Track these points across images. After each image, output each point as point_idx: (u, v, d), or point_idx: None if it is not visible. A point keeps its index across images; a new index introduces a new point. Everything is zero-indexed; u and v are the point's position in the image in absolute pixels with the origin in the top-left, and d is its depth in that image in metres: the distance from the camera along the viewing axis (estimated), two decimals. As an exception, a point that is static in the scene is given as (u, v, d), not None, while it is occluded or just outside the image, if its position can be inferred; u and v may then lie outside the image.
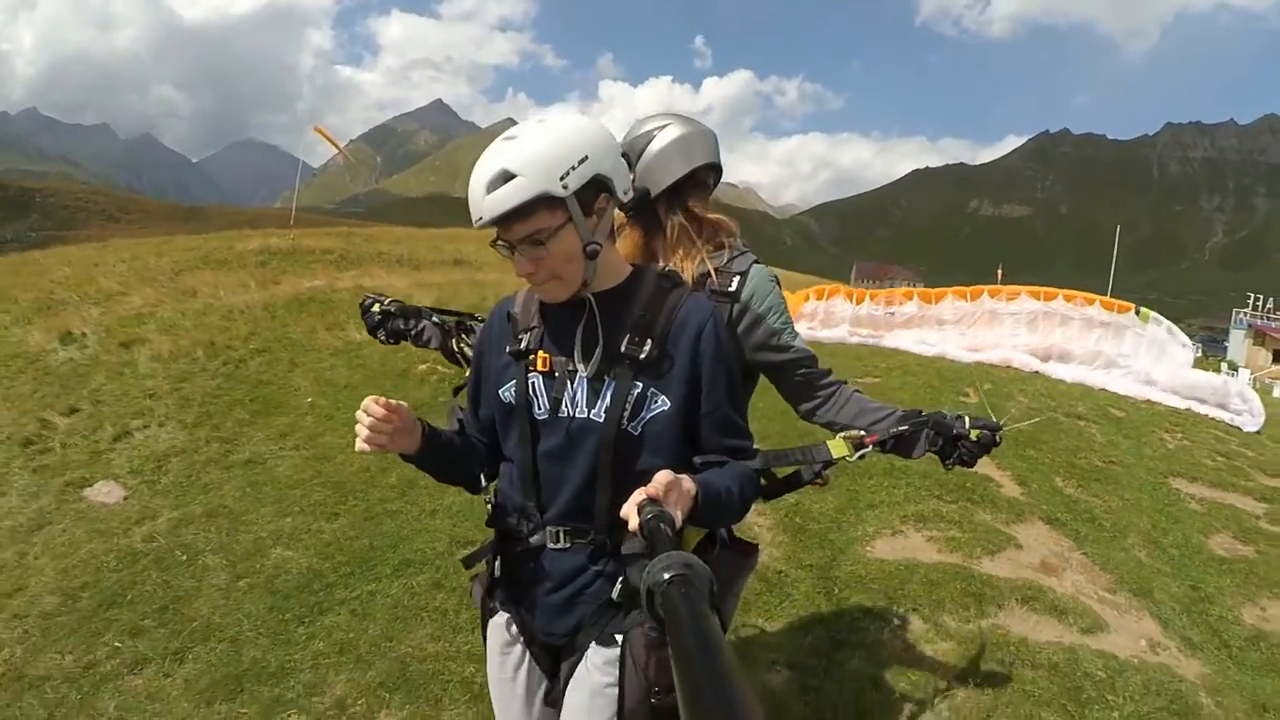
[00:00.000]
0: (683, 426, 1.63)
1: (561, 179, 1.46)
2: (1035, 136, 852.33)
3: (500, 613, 1.85)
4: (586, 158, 1.49)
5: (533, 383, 1.69)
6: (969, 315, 11.03)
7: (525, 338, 1.72)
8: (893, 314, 11.38)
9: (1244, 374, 31.99)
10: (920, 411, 2.08)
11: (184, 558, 4.31)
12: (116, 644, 3.62)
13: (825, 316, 12.02)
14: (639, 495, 1.26)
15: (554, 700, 1.81)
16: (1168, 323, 10.45)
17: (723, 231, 2.14)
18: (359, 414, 1.54)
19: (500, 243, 1.56)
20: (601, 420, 1.61)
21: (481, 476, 1.82)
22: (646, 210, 2.14)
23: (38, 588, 4.15)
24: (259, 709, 3.16)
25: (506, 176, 1.45)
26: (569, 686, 1.76)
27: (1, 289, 11.19)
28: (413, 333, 2.63)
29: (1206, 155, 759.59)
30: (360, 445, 1.54)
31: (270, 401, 6.59)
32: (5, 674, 3.50)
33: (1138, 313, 10.32)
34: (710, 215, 2.14)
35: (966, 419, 2.01)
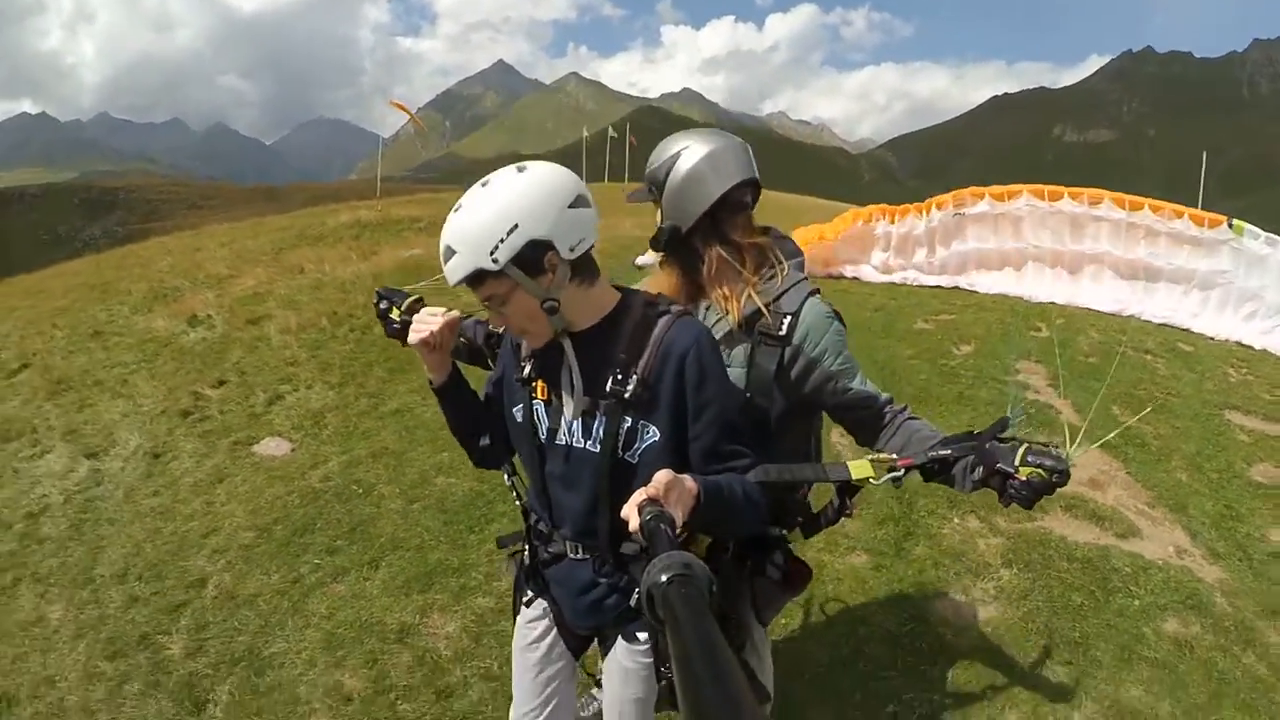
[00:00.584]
0: (675, 452, 1.71)
1: (491, 254, 1.56)
2: (1118, 56, 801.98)
3: (533, 596, 2.08)
4: (515, 226, 1.55)
5: (535, 409, 1.85)
6: (1047, 216, 10.33)
7: (527, 365, 1.86)
8: (963, 214, 10.71)
9: None
10: (973, 433, 1.87)
11: (360, 491, 5.29)
12: (316, 562, 4.55)
13: (899, 242, 11.40)
14: (639, 495, 1.31)
15: (567, 671, 2.11)
16: (1266, 234, 9.44)
17: (771, 254, 2.07)
18: (418, 315, 1.90)
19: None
20: (596, 451, 1.73)
21: (482, 452, 2.05)
22: (681, 245, 2.06)
23: (231, 527, 5.12)
24: (449, 596, 4.05)
25: (451, 252, 1.61)
26: (604, 663, 2.02)
27: (111, 283, 12.23)
28: None
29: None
30: (412, 338, 1.88)
31: (403, 360, 7.37)
32: (218, 597, 4.43)
33: (1230, 225, 9.51)
34: (755, 240, 2.06)
35: (1020, 450, 1.74)
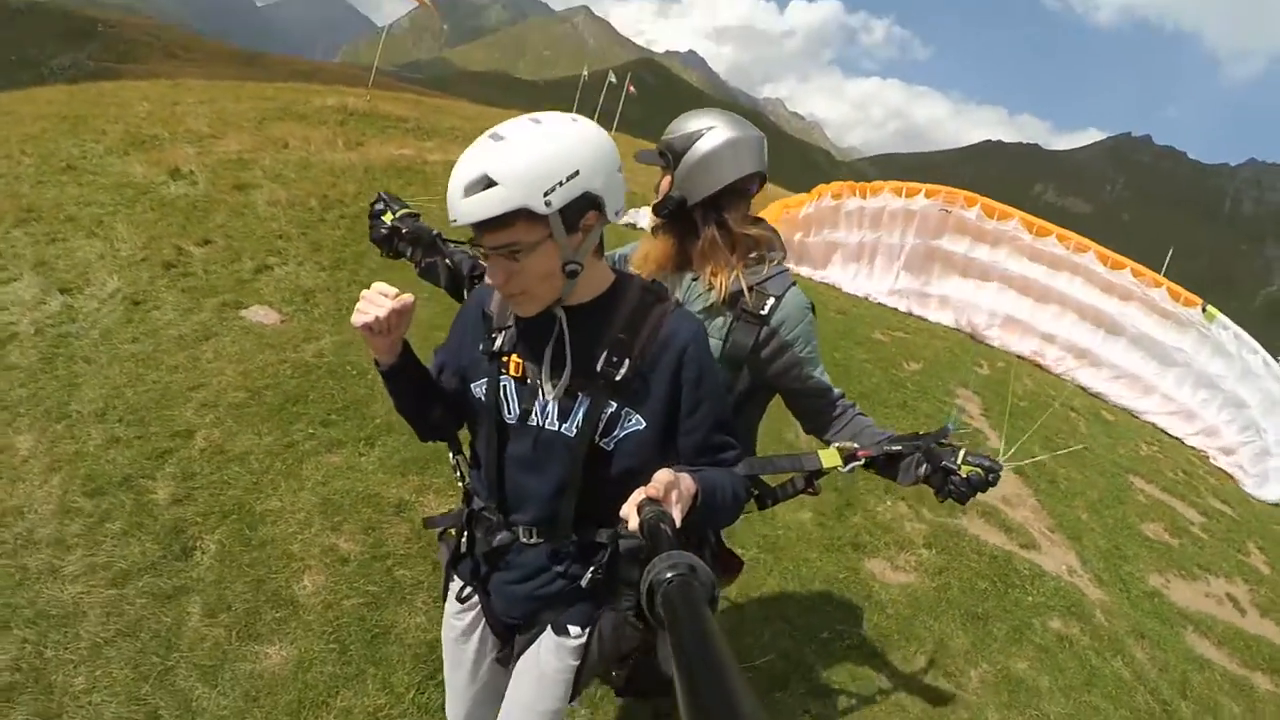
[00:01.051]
0: (659, 444, 1.68)
1: (545, 194, 1.42)
2: (1115, 136, 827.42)
3: (462, 584, 1.96)
4: (577, 173, 1.45)
5: (504, 386, 1.71)
6: (1029, 248, 10.62)
7: (499, 337, 1.72)
8: (949, 211, 10.84)
9: None
10: (919, 435, 2.12)
11: (354, 372, 5.44)
12: (309, 431, 4.73)
13: (873, 217, 11.39)
14: (639, 495, 1.30)
15: (504, 660, 1.97)
16: (1236, 327, 9.64)
17: (762, 245, 2.18)
18: (365, 293, 1.63)
19: (474, 245, 1.55)
20: (573, 436, 1.65)
21: (430, 426, 1.91)
22: (682, 216, 2.16)
23: (220, 385, 5.18)
24: (445, 481, 4.27)
25: (487, 183, 1.41)
26: (519, 661, 1.90)
27: (84, 118, 11.76)
28: (420, 264, 2.53)
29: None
30: (355, 319, 1.61)
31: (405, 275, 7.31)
32: (206, 449, 4.53)
33: (1204, 310, 9.70)
34: (749, 231, 2.16)
35: (961, 453, 2.02)
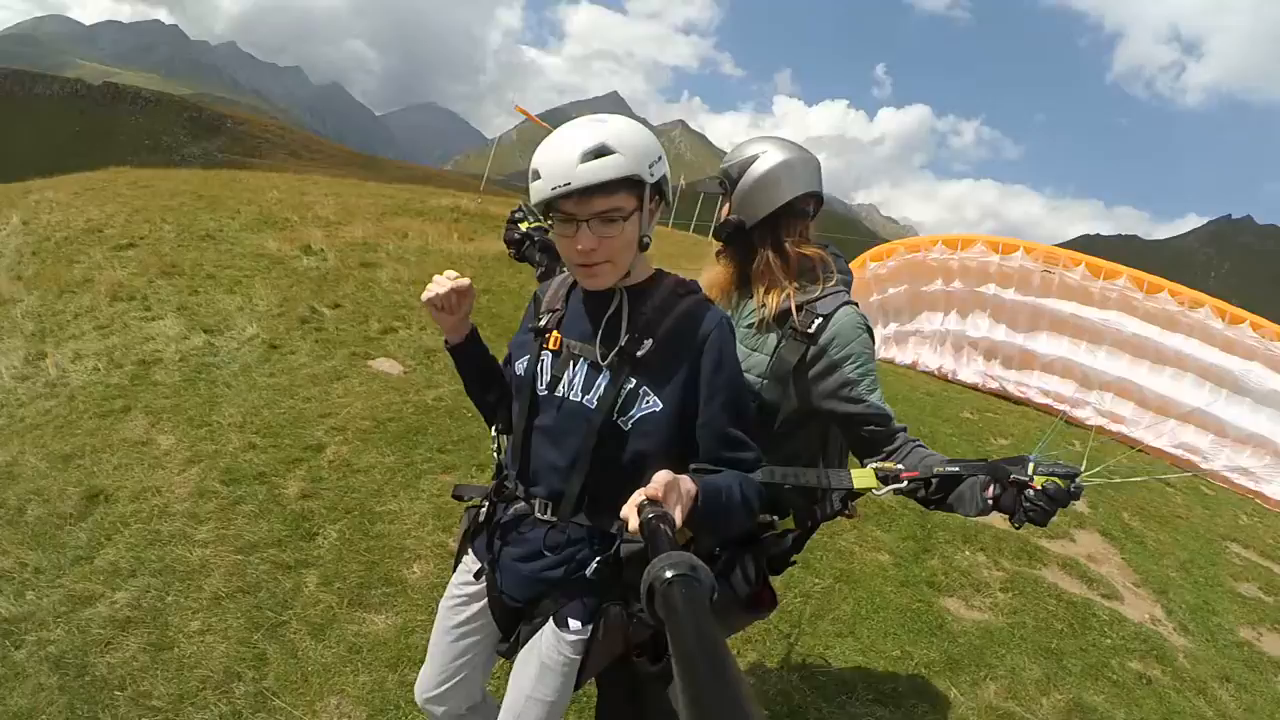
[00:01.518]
0: (676, 430, 1.75)
1: (650, 166, 1.65)
2: (1216, 220, 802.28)
3: (473, 557, 2.05)
4: (661, 158, 1.68)
5: (543, 359, 1.88)
6: (1140, 305, 9.97)
7: (546, 318, 1.93)
8: (1052, 273, 10.41)
9: None
10: (985, 461, 1.90)
11: (469, 415, 6.05)
12: (427, 455, 5.33)
13: (960, 270, 11.20)
14: (639, 496, 1.33)
15: (507, 652, 2.01)
16: None
17: (817, 265, 2.18)
18: (435, 276, 1.94)
19: (561, 215, 1.67)
20: (593, 408, 1.76)
21: (491, 408, 2.13)
22: (741, 239, 2.23)
23: (349, 414, 5.89)
24: None
25: (605, 150, 1.58)
26: (522, 651, 1.94)
27: (219, 198, 13.29)
28: (541, 269, 2.64)
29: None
30: (424, 296, 1.93)
31: (508, 330, 8.04)
32: (334, 461, 5.15)
33: None
34: (805, 249, 2.18)
35: (1031, 464, 1.80)
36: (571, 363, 1.82)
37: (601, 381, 1.75)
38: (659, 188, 1.70)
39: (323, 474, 4.94)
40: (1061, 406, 10.52)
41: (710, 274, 2.32)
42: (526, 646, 1.91)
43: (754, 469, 1.79)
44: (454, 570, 2.12)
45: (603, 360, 1.76)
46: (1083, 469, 1.84)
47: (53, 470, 4.77)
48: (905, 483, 1.91)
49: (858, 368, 2.04)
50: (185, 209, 11.93)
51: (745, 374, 2.06)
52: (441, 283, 1.92)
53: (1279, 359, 9.22)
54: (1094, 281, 10.22)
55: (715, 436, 1.74)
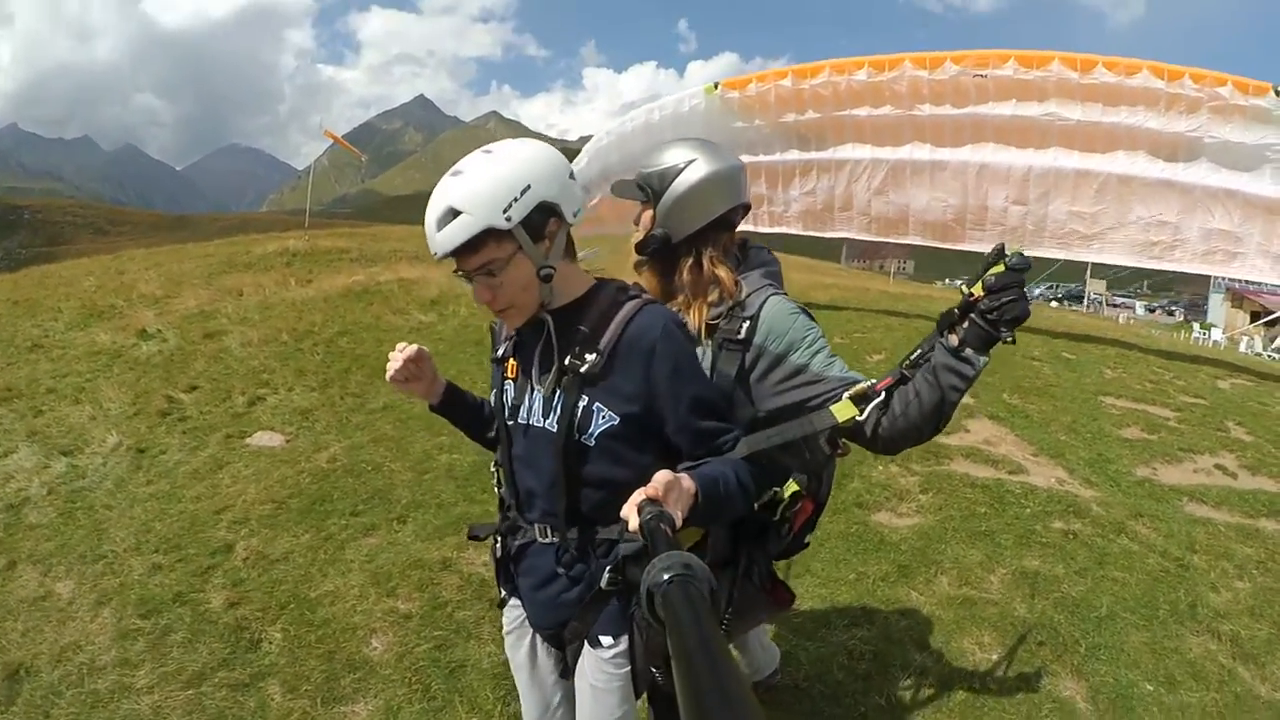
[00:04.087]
0: (637, 440, 1.76)
1: (504, 212, 1.59)
2: None
3: (506, 596, 2.10)
4: (529, 187, 1.62)
5: (506, 388, 1.92)
6: (1078, 89, 9.53)
7: (504, 347, 1.96)
8: (984, 75, 9.88)
9: (1216, 333, 35.22)
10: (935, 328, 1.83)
11: (369, 468, 5.92)
12: (342, 523, 5.17)
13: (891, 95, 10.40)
14: (639, 495, 1.34)
15: (566, 673, 2.02)
16: None
17: (724, 288, 2.10)
18: (390, 353, 1.98)
19: (459, 273, 1.72)
20: (554, 430, 1.77)
21: (491, 446, 2.12)
22: (665, 254, 2.15)
23: (246, 503, 5.58)
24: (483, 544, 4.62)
25: (453, 214, 1.60)
26: (575, 679, 1.97)
27: (36, 300, 12.26)
28: None
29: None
30: (389, 376, 1.98)
31: (378, 368, 7.78)
32: (248, 558, 4.89)
33: (1277, 92, 8.68)
34: (718, 269, 2.11)
35: (961, 285, 1.75)
36: (529, 389, 1.85)
37: (557, 404, 1.77)
38: (547, 214, 1.68)
39: (241, 575, 4.65)
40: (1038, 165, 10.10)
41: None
42: (576, 674, 1.94)
43: (733, 448, 1.79)
44: (501, 607, 2.15)
45: (539, 385, 1.80)
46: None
47: (-46, 655, 4.35)
48: (882, 394, 1.81)
49: (803, 352, 1.98)
50: (2, 321, 10.90)
51: None
52: (395, 358, 1.97)
53: (1225, 106, 9.01)
54: (1027, 72, 9.76)
55: (692, 436, 1.77)
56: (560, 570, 1.85)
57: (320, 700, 3.63)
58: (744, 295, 2.07)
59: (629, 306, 1.76)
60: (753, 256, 2.23)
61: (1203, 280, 46.75)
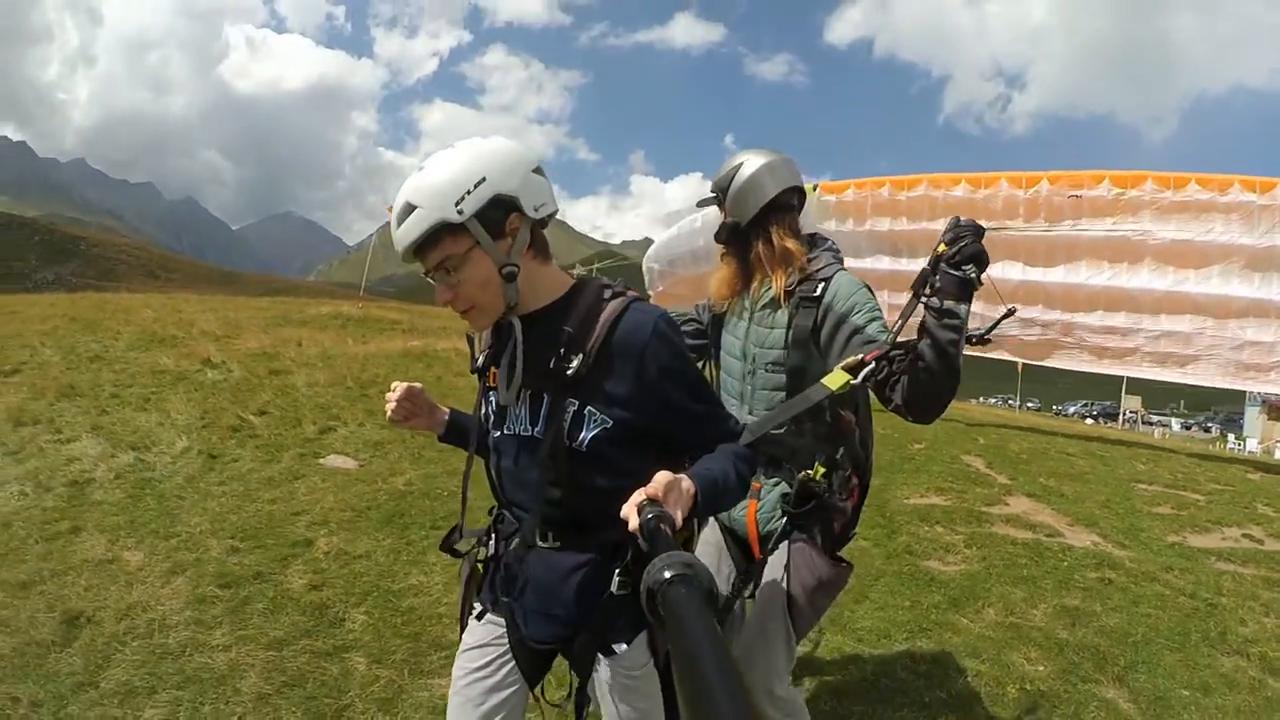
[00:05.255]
0: (632, 443, 1.69)
1: (456, 204, 1.55)
2: None
3: (483, 608, 1.93)
4: (484, 179, 1.57)
5: (490, 398, 1.86)
6: (1171, 206, 9.65)
7: (482, 357, 1.88)
8: (1079, 196, 10.08)
9: (1252, 443, 35.86)
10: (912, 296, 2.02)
11: (445, 493, 6.23)
12: (423, 533, 5.41)
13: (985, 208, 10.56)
14: (639, 495, 1.35)
15: (517, 702, 1.88)
16: None
17: (796, 254, 2.43)
18: (386, 395, 2.00)
19: (425, 274, 1.68)
20: (541, 437, 1.70)
21: None
22: (739, 238, 2.52)
23: (324, 508, 5.79)
24: None
25: (410, 209, 1.57)
26: (599, 694, 1.83)
27: (95, 321, 12.46)
28: None
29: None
30: (388, 418, 2.01)
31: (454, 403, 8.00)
32: (329, 552, 5.09)
33: None
34: (788, 242, 2.43)
35: (926, 263, 1.95)
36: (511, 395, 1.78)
37: (544, 409, 1.70)
38: (506, 209, 1.62)
39: (323, 565, 4.84)
40: (1112, 343, 10.26)
41: (720, 273, 2.61)
42: (595, 684, 1.82)
43: (738, 435, 1.81)
44: (461, 626, 1.99)
45: (538, 390, 1.71)
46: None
47: (12, 600, 4.35)
48: (872, 363, 1.94)
49: (862, 314, 2.24)
50: (61, 333, 11.23)
51: (769, 349, 2.42)
52: (390, 399, 2.01)
53: None
54: (1122, 192, 9.92)
55: (692, 429, 1.75)
56: (561, 579, 1.74)
57: (407, 671, 3.72)
58: (817, 268, 2.40)
59: (614, 305, 1.69)
60: (819, 242, 2.54)
61: (1239, 395, 46.17)
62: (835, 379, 1.94)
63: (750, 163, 2.47)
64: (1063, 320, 10.76)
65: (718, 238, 2.58)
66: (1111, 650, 4.35)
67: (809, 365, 2.35)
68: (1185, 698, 3.90)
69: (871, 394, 2.22)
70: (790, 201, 2.48)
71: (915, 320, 2.01)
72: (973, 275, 1.86)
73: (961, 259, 1.86)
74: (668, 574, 0.95)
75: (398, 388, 2.00)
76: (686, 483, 1.45)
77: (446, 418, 2.11)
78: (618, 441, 1.67)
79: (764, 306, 2.47)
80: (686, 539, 1.96)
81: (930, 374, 1.93)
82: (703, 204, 2.69)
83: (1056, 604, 4.92)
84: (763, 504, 2.44)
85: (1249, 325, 9.74)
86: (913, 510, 6.67)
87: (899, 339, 1.99)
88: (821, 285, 2.32)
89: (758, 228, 2.46)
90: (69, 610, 4.21)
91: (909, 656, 4.15)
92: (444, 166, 1.58)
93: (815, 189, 11.76)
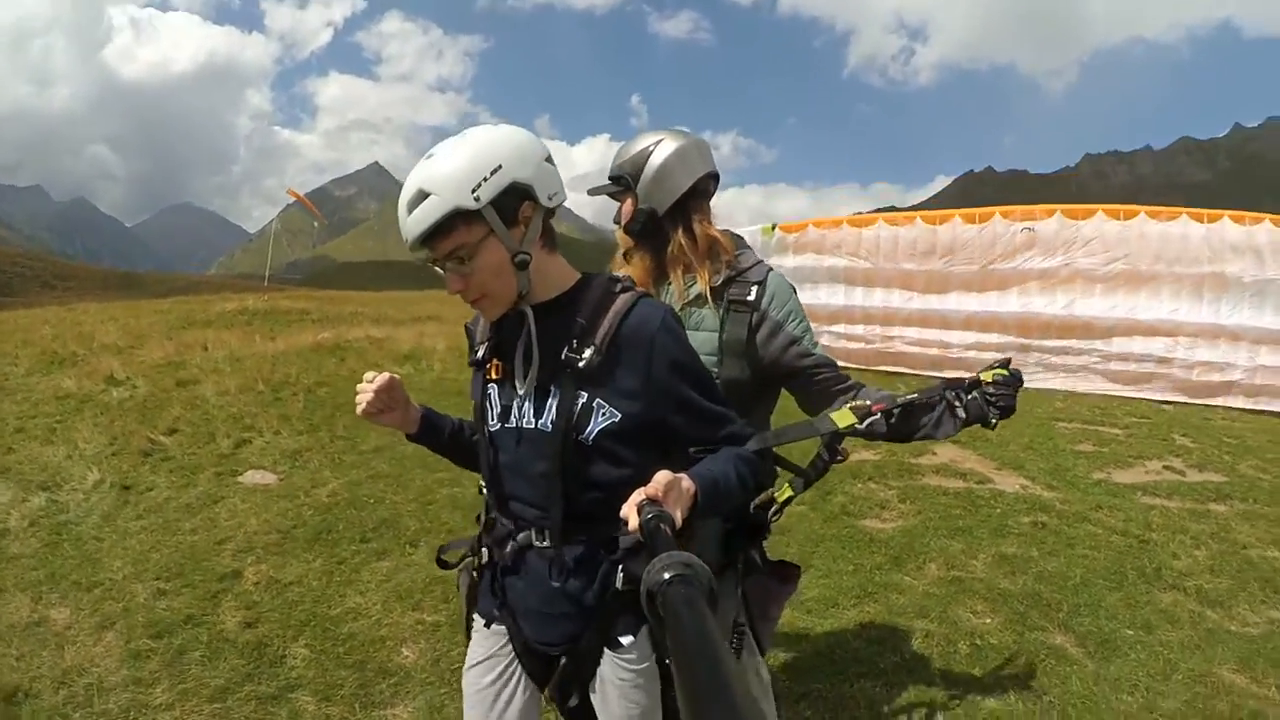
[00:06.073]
0: (637, 438, 1.69)
1: (473, 192, 1.53)
2: (961, 176, 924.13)
3: (485, 619, 1.93)
4: (500, 167, 1.56)
5: (489, 391, 1.82)
6: (1123, 242, 10.02)
7: (482, 349, 1.86)
8: (1032, 230, 10.38)
9: None
10: (939, 383, 2.13)
11: (372, 501, 6.03)
12: (353, 549, 5.25)
13: (943, 247, 11.06)
14: (639, 495, 1.34)
15: (531, 707, 1.90)
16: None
17: (719, 244, 2.28)
18: (358, 385, 1.89)
19: (432, 263, 1.65)
20: (550, 430, 1.68)
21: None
22: (654, 230, 2.29)
23: (247, 533, 5.53)
24: None
25: (422, 196, 1.55)
26: (597, 695, 1.82)
27: (-9, 348, 11.74)
28: None
29: (1125, 181, 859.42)
30: (357, 410, 1.88)
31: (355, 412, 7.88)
32: (259, 582, 4.89)
33: None
34: (710, 231, 2.28)
35: (979, 377, 2.07)
36: (518, 388, 1.76)
37: (553, 401, 1.69)
38: (520, 196, 1.62)
39: (255, 598, 4.64)
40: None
41: (632, 270, 2.35)
42: (596, 682, 1.81)
43: (746, 439, 1.80)
44: (467, 637, 2.00)
45: (546, 382, 1.71)
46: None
47: (-62, 683, 4.23)
48: (878, 415, 1.99)
49: (797, 324, 2.20)
50: (-45, 363, 10.49)
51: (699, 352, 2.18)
52: (365, 389, 1.88)
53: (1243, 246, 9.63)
54: (1073, 224, 10.39)
55: (699, 425, 1.74)
56: (563, 580, 1.74)
57: (358, 705, 3.61)
58: (746, 265, 2.27)
59: (624, 299, 1.70)
60: (737, 238, 2.40)
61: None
62: (843, 418, 1.99)
63: (666, 144, 2.26)
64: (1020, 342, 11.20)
65: (629, 229, 2.34)
66: (1054, 596, 4.56)
67: (744, 377, 2.22)
68: (1130, 637, 4.11)
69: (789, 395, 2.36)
70: (708, 188, 2.34)
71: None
72: (993, 421, 2.05)
73: (995, 404, 2.04)
74: (667, 574, 0.95)
75: (375, 378, 1.88)
76: (686, 482, 1.46)
77: (419, 416, 2.02)
78: (623, 436, 1.67)
79: (689, 304, 2.27)
80: (688, 539, 1.94)
81: (921, 431, 2.13)
82: (597, 192, 2.42)
83: (994, 553, 5.12)
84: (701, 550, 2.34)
85: (1200, 345, 10.23)
86: (844, 468, 6.79)
87: (901, 402, 2.06)
88: (755, 289, 2.21)
89: (676, 217, 2.27)
90: (4, 686, 3.91)
91: (859, 624, 4.27)
92: (458, 153, 1.57)
93: (774, 228, 12.55)
